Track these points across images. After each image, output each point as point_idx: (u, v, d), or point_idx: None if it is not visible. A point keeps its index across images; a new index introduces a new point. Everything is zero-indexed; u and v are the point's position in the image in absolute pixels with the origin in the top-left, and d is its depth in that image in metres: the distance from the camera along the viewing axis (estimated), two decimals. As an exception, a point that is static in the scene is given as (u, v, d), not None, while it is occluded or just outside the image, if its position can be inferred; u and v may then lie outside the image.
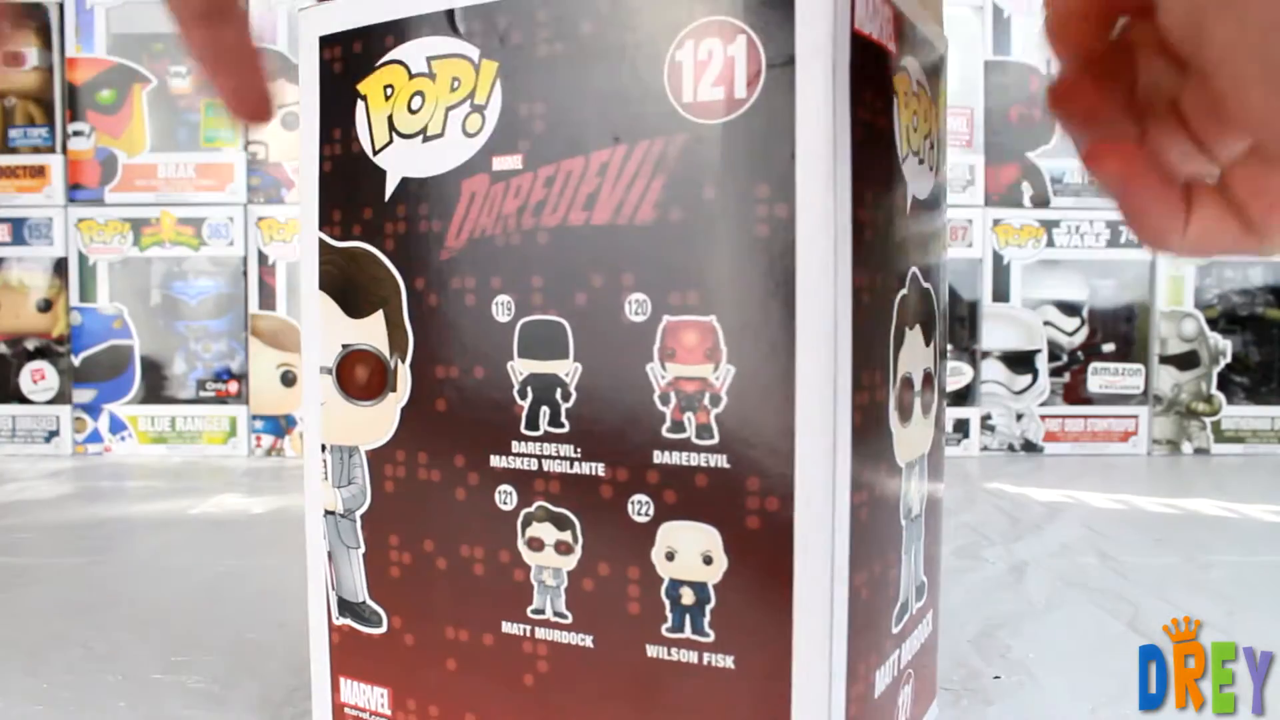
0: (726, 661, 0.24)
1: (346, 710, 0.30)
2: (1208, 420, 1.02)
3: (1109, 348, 1.04)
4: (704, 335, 0.23)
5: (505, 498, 0.26)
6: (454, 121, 0.26)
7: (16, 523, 0.71)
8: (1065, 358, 1.04)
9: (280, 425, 1.02)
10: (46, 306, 1.03)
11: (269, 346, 1.02)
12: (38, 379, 1.02)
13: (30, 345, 1.03)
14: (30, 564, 0.58)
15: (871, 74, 0.24)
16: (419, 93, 0.27)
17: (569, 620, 0.25)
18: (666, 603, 0.24)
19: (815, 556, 0.23)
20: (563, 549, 0.25)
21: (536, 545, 0.26)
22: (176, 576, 0.56)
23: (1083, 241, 1.01)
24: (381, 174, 0.27)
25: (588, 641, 0.25)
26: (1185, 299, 1.02)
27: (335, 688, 0.30)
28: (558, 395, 0.25)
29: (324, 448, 0.29)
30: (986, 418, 1.02)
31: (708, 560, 0.24)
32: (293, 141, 1.02)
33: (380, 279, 0.28)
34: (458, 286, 0.26)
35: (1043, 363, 1.02)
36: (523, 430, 0.25)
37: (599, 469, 0.25)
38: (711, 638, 0.24)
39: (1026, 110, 1.01)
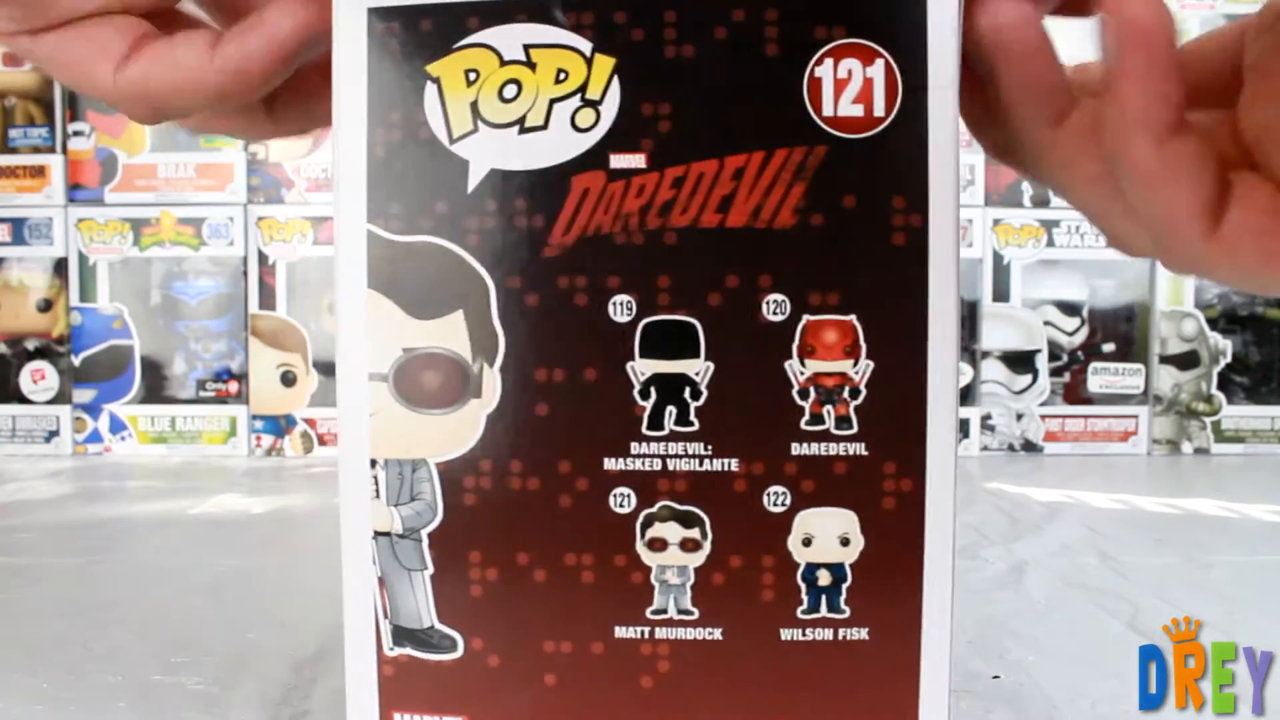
0: (861, 634, 0.26)
1: None
2: (1208, 420, 1.02)
3: (1109, 348, 1.04)
4: (844, 333, 0.25)
5: (622, 501, 0.26)
6: (560, 114, 0.25)
7: (16, 523, 0.70)
8: (1065, 358, 1.04)
9: (280, 425, 1.02)
10: (46, 306, 1.03)
11: (269, 346, 1.02)
12: (38, 379, 1.02)
13: (30, 345, 1.03)
14: (30, 564, 0.58)
15: None
16: (514, 80, 0.25)
17: (695, 616, 0.26)
18: (803, 586, 0.26)
19: (942, 527, 0.25)
20: (689, 546, 0.26)
21: (659, 546, 0.26)
22: (176, 576, 0.56)
23: (1083, 241, 1.01)
24: (462, 164, 0.25)
25: (716, 634, 0.26)
26: (1185, 299, 1.02)
27: None
28: (686, 394, 0.25)
29: (374, 463, 0.27)
30: (986, 417, 1.02)
31: (845, 542, 0.25)
32: (292, 142, 1.02)
33: (458, 277, 0.26)
34: (565, 285, 0.25)
35: (1043, 362, 1.02)
36: (644, 431, 0.25)
37: (732, 464, 0.25)
38: (847, 613, 0.26)
39: (1026, 110, 1.01)
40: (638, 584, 0.26)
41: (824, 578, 0.26)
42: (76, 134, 1.01)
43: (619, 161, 0.25)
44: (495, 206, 0.25)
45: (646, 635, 0.26)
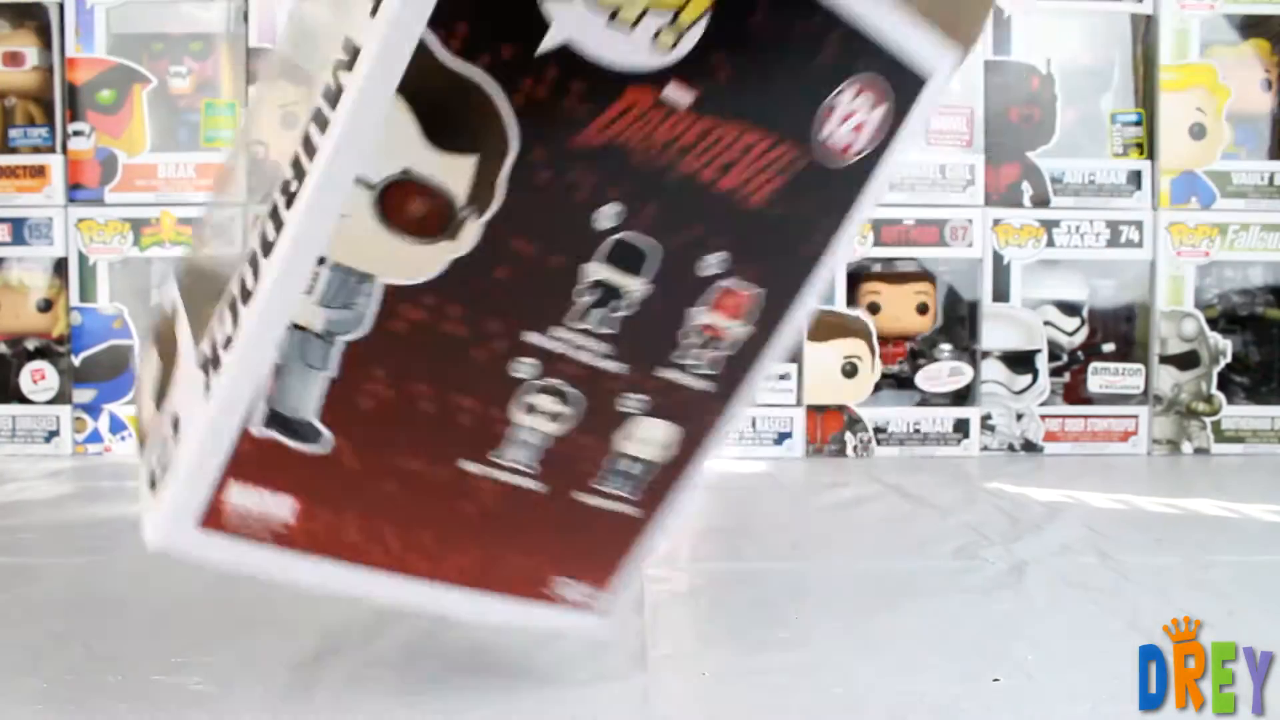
0: (635, 512, 0.32)
1: (226, 507, 0.28)
2: (1208, 420, 1.02)
3: (1109, 348, 1.04)
4: (747, 302, 0.29)
5: (524, 368, 0.28)
6: (648, 23, 0.24)
7: (16, 523, 0.71)
8: (1065, 358, 1.04)
9: (280, 425, 1.02)
10: (46, 306, 1.03)
11: (269, 346, 1.02)
12: (38, 379, 1.02)
13: (30, 345, 1.03)
14: (30, 564, 0.58)
15: None
16: None
17: (533, 471, 0.30)
18: (618, 469, 0.31)
19: (719, 448, 0.32)
20: (555, 418, 0.29)
21: (532, 411, 0.29)
22: (176, 576, 0.56)
23: (1083, 241, 1.01)
24: (543, 25, 0.24)
25: (541, 489, 0.30)
26: (1185, 299, 1.02)
27: (221, 487, 0.27)
28: (616, 303, 0.28)
29: (322, 261, 0.25)
30: (986, 418, 1.02)
31: (665, 447, 0.31)
32: (293, 141, 1.02)
33: (489, 126, 0.24)
34: (574, 179, 0.26)
35: (1043, 363, 1.02)
36: (569, 321, 0.28)
37: (616, 367, 0.29)
38: (637, 497, 0.31)
39: (1026, 110, 1.01)
40: (499, 434, 0.29)
41: (636, 469, 0.31)
42: (76, 134, 1.01)
43: (673, 92, 0.25)
44: (555, 77, 0.24)
45: (488, 474, 0.29)
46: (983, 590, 0.53)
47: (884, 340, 1.01)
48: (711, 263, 0.28)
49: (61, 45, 1.01)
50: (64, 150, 1.01)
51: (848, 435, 1.00)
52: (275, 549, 0.28)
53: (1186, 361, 1.03)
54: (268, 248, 0.25)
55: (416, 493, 0.29)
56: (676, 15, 0.24)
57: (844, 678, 0.40)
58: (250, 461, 0.27)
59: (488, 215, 0.25)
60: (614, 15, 0.24)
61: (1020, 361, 1.02)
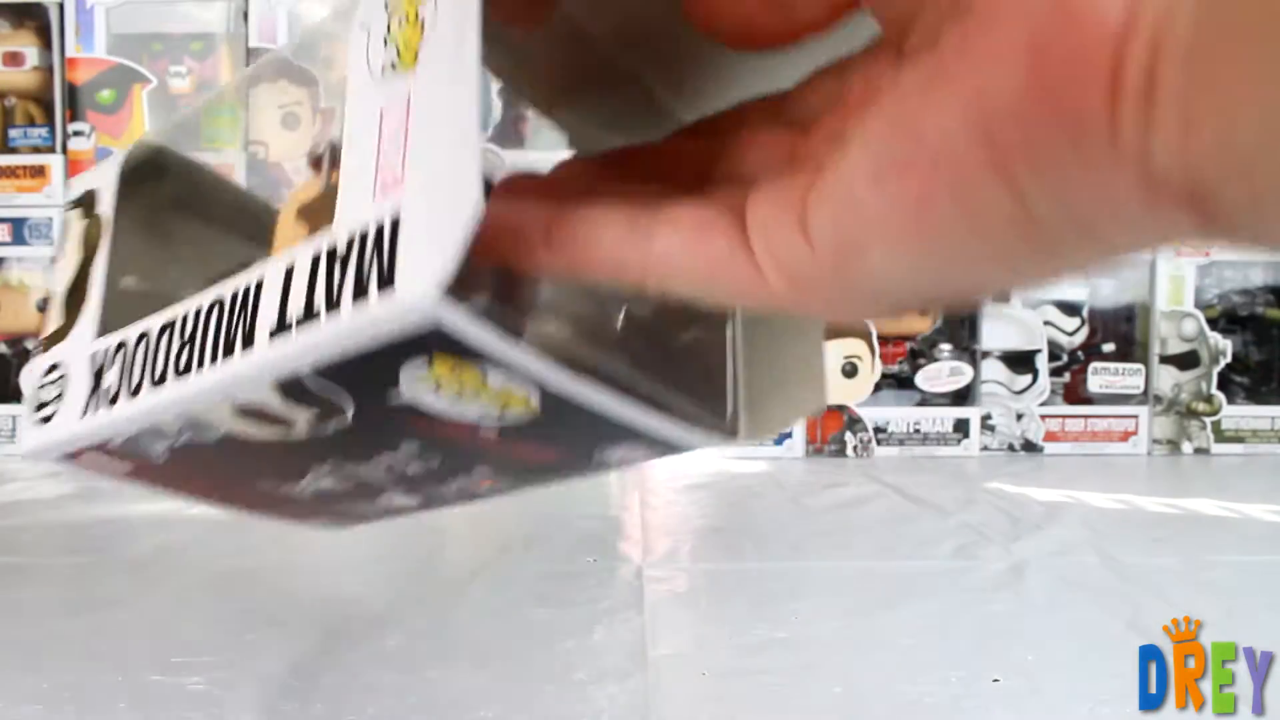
0: (414, 505, 0.40)
1: (82, 457, 0.36)
2: (1208, 420, 1.02)
3: (1109, 348, 1.04)
4: (499, 484, 0.36)
5: (322, 469, 0.36)
6: (481, 403, 0.30)
7: (16, 523, 0.71)
8: (1065, 357, 1.04)
9: (280, 425, 1.02)
10: (47, 306, 1.03)
11: (269, 346, 1.02)
12: (38, 379, 1.02)
13: (30, 345, 1.03)
14: (30, 563, 0.59)
15: None
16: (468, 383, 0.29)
17: (306, 499, 0.38)
18: (377, 507, 0.39)
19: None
20: (337, 484, 0.37)
21: (318, 480, 0.37)
22: (176, 576, 0.56)
23: (1083, 241, 1.01)
24: (397, 373, 0.29)
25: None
26: (1185, 299, 1.02)
27: (80, 453, 0.36)
28: (401, 470, 0.36)
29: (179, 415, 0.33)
30: (986, 417, 1.02)
31: (414, 505, 0.39)
32: (293, 141, 1.02)
33: (335, 406, 0.31)
34: (387, 437, 0.33)
35: (1043, 362, 1.02)
36: (363, 464, 0.35)
37: (392, 485, 0.37)
38: (414, 504, 0.39)
39: (1026, 110, 1.01)
40: (294, 483, 0.37)
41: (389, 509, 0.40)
42: (76, 134, 1.01)
43: (486, 431, 0.31)
44: (393, 408, 0.30)
45: (280, 492, 0.38)
46: (983, 590, 0.53)
47: (884, 340, 1.01)
48: (481, 470, 0.36)
49: (61, 45, 1.01)
50: (64, 150, 1.01)
51: (848, 435, 1.00)
52: (118, 478, 0.38)
53: (1186, 361, 1.03)
54: (156, 383, 0.32)
55: (224, 486, 0.40)
56: (504, 409, 0.31)
57: (844, 678, 0.41)
58: (103, 450, 0.36)
59: (318, 432, 0.32)
60: (456, 397, 0.29)
61: (1020, 361, 1.02)
